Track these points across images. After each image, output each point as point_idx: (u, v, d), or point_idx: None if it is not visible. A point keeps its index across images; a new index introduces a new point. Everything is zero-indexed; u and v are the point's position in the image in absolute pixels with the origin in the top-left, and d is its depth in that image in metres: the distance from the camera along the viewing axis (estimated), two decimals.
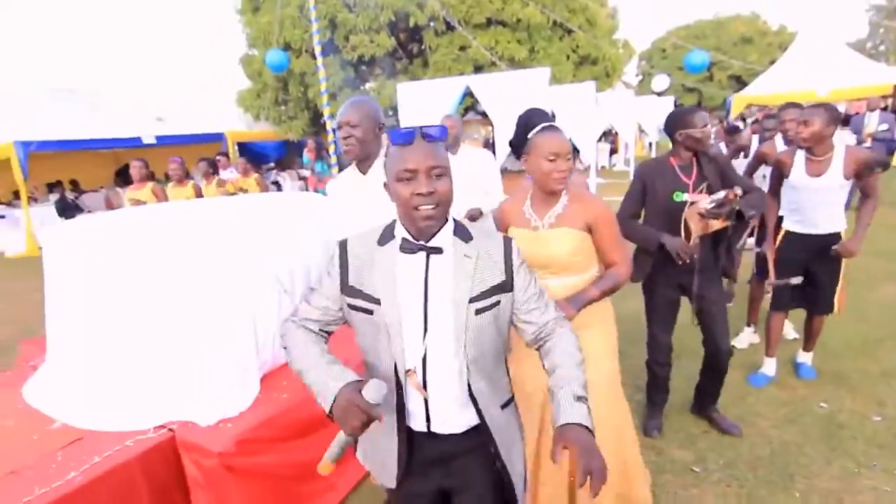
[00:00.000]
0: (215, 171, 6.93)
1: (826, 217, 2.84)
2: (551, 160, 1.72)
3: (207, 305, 2.21)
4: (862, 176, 2.73)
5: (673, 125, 2.47)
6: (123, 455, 1.96)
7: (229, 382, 2.18)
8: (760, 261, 3.32)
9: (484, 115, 9.71)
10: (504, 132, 6.43)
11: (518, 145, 1.82)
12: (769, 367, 3.17)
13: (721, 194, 2.30)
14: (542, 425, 1.90)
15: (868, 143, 6.16)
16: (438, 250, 1.17)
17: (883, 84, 13.35)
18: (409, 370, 1.19)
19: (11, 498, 1.73)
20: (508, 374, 1.37)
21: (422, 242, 1.17)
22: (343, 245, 1.26)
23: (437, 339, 1.17)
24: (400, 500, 1.35)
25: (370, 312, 1.20)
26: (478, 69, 11.39)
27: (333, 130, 5.88)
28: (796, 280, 2.90)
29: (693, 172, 2.47)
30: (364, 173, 2.07)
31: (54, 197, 11.20)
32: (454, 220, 1.23)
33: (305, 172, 14.90)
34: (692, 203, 2.41)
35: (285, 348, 1.27)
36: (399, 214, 1.18)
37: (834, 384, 3.01)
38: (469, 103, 11.05)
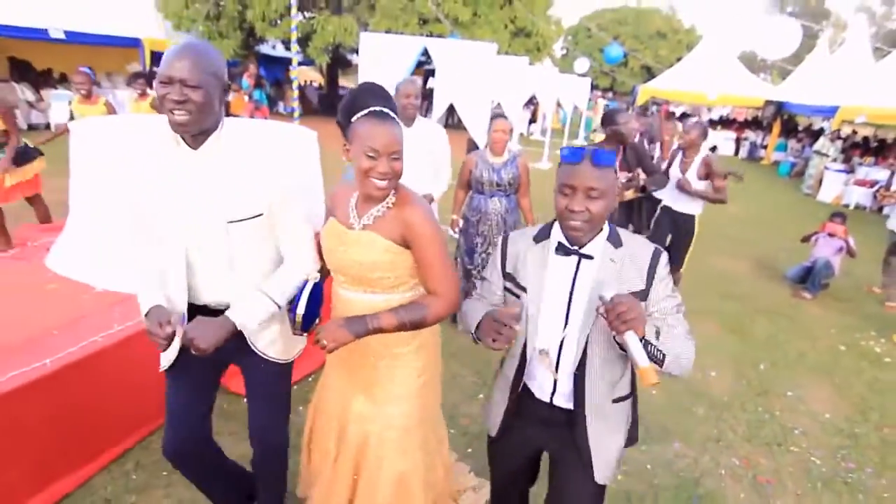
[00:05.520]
0: (150, 86, 6.42)
1: (686, 200, 4.12)
2: (371, 157, 1.35)
3: None
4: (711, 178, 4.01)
5: (605, 121, 3.58)
6: None
7: None
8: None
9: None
10: (449, 97, 6.95)
11: (342, 127, 1.46)
12: None
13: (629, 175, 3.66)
14: (338, 450, 1.68)
15: None
16: (589, 257, 1.32)
17: (757, 97, 15.88)
18: (542, 350, 1.38)
19: (85, 336, 2.27)
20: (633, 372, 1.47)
21: (576, 248, 1.32)
22: (505, 238, 1.48)
23: (572, 331, 1.34)
24: (499, 450, 1.63)
25: (518, 296, 1.42)
26: (423, 22, 11.74)
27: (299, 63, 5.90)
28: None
29: (617, 158, 3.61)
30: (196, 147, 1.43)
31: None
32: (610, 226, 1.35)
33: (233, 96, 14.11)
34: None
35: (464, 312, 1.52)
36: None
37: None
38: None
